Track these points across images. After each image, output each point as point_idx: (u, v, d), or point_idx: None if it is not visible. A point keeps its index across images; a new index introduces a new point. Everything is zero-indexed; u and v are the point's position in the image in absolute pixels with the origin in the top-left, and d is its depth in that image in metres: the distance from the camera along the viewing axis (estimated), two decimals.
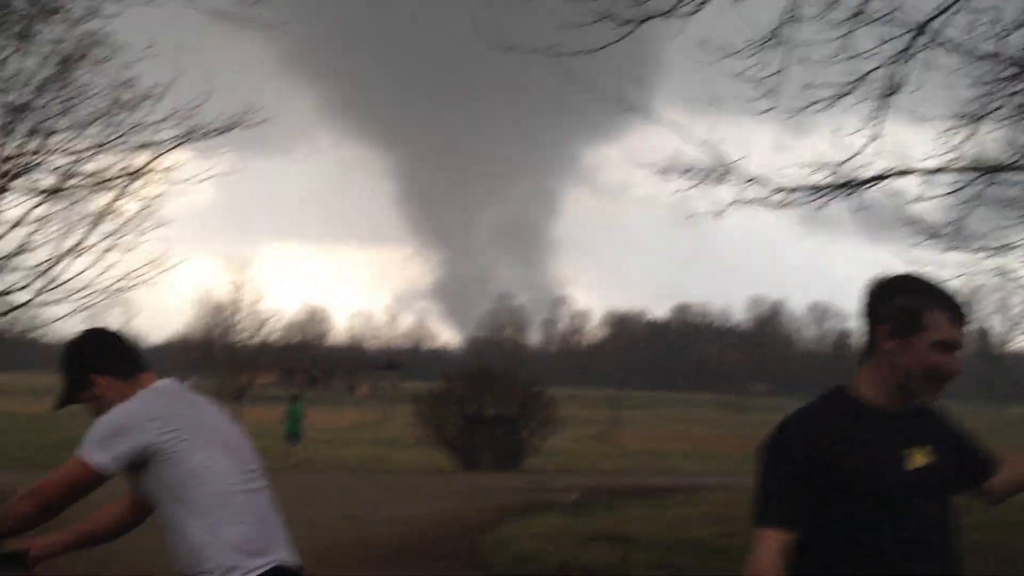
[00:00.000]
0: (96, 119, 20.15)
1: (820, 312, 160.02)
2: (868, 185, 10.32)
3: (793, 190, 10.18)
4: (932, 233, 11.60)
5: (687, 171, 10.03)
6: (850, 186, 10.23)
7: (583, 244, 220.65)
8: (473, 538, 11.40)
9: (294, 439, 26.85)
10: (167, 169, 20.77)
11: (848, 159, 9.72)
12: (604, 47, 8.40)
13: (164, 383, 3.29)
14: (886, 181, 10.45)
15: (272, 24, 8.91)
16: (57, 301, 20.84)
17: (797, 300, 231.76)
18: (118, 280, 21.02)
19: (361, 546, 11.09)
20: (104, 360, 3.28)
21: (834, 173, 9.96)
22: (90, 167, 20.43)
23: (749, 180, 10.00)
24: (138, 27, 18.29)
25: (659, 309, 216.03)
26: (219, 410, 3.32)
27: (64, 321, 23.00)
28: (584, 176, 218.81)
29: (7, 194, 20.27)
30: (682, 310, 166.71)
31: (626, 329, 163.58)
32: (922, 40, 8.90)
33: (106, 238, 20.77)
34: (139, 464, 3.01)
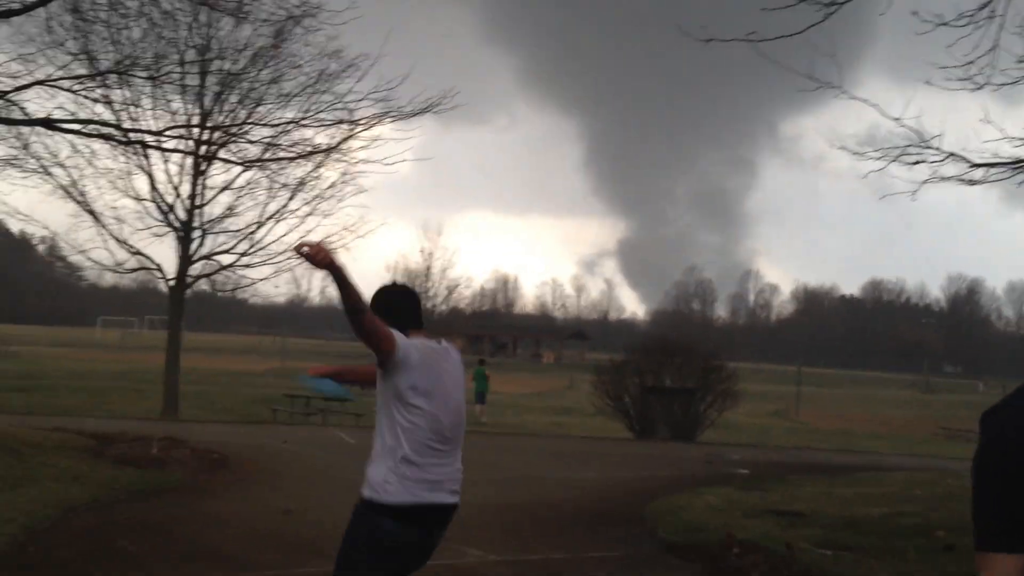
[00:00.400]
0: (303, 90, 21.25)
1: (1020, 291, 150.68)
2: None
3: (993, 165, 9.84)
4: None
5: (883, 147, 9.85)
6: None
7: (775, 217, 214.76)
8: (644, 504, 11.64)
9: (481, 399, 29.70)
10: (367, 142, 21.75)
11: None
12: (805, 30, 8.26)
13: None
14: None
15: None
16: (260, 263, 22.26)
17: (997, 279, 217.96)
18: None
19: (537, 506, 11.56)
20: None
21: None
22: (294, 137, 21.66)
23: (947, 156, 9.71)
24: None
25: (851, 286, 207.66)
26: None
27: (265, 283, 24.56)
28: (780, 148, 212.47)
29: (217, 161, 21.72)
30: (875, 287, 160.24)
31: (816, 305, 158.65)
32: None
33: (307, 204, 22.02)
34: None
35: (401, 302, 4.24)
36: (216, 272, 22.53)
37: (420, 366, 3.94)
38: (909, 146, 9.70)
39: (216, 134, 21.34)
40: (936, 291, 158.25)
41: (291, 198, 21.89)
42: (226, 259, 22.00)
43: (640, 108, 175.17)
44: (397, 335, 3.88)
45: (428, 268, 32.71)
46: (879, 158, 9.87)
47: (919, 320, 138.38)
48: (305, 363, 57.13)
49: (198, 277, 22.34)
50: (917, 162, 9.76)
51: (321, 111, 21.26)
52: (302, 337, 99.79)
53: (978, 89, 8.90)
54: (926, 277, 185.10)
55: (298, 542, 8.39)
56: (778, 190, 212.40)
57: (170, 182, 21.32)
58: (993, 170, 9.90)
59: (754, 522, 10.10)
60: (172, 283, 21.58)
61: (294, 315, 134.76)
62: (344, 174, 21.73)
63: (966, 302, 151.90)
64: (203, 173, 21.63)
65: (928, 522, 10.02)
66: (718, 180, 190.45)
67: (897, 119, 9.48)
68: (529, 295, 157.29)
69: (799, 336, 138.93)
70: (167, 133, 20.83)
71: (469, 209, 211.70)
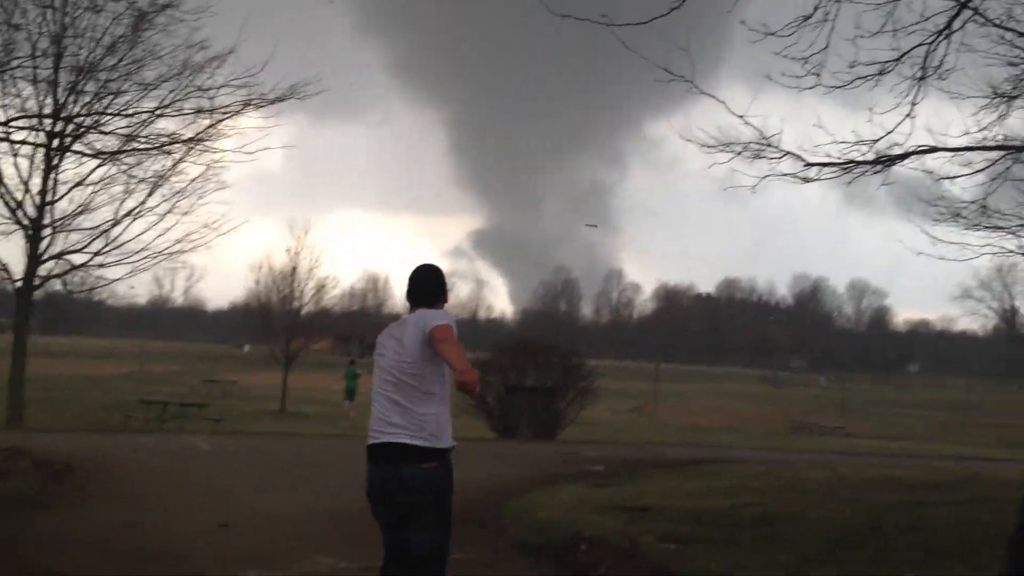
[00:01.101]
0: (163, 81, 20.52)
1: (859, 289, 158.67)
2: (898, 162, 10.51)
3: (825, 165, 10.39)
4: (955, 212, 11.83)
5: (729, 145, 10.25)
6: (880, 162, 10.41)
7: (639, 216, 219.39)
8: (499, 504, 11.80)
9: (351, 396, 32.25)
10: (230, 134, 21.15)
11: (881, 137, 9.90)
12: (654, 19, 8.44)
13: None
14: (916, 158, 10.64)
15: None
16: (115, 263, 21.41)
17: (838, 278, 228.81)
18: (176, 242, 21.49)
19: None
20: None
21: (868, 149, 10.16)
22: (153, 129, 20.89)
23: (784, 154, 10.20)
24: None
25: (708, 284, 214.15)
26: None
27: (121, 283, 23.69)
28: (642, 147, 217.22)
29: (70, 154, 20.80)
30: (729, 285, 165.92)
31: (675, 303, 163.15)
32: (963, 17, 9.03)
33: (166, 200, 21.28)
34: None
35: (408, 283, 5.09)
36: (67, 272, 21.61)
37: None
38: (751, 143, 10.15)
39: (70, 126, 20.48)
40: (783, 289, 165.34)
41: (150, 194, 21.17)
42: (79, 258, 21.16)
43: (508, 102, 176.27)
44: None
45: (294, 268, 32.10)
46: (723, 152, 10.28)
47: (768, 318, 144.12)
48: (166, 367, 55.57)
49: (48, 277, 21.40)
50: (757, 158, 10.23)
51: (181, 100, 20.59)
52: (165, 340, 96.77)
53: (811, 89, 9.39)
54: (775, 276, 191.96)
55: (143, 556, 8.20)
56: (641, 189, 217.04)
57: (19, 177, 20.30)
58: (825, 170, 10.47)
59: (603, 518, 10.37)
60: (19, 284, 20.63)
61: (156, 317, 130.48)
62: (206, 168, 21.14)
63: (810, 300, 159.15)
64: (55, 167, 20.68)
65: (766, 512, 10.52)
66: (586, 176, 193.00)
67: (741, 116, 9.91)
68: (400, 295, 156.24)
69: (658, 334, 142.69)
70: (14, 124, 19.90)
71: (340, 207, 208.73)
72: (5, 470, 12.19)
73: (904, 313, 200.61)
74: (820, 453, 24.60)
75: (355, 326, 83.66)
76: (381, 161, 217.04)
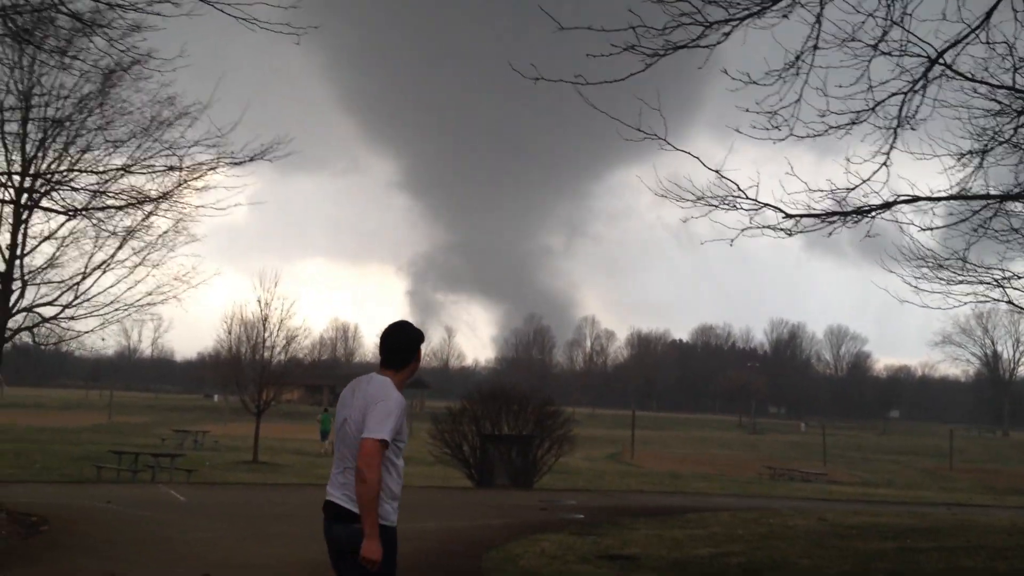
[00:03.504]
0: (133, 137, 20.61)
1: (838, 336, 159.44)
2: (876, 213, 10.60)
3: (804, 216, 10.46)
4: (938, 263, 11.94)
5: (702, 198, 10.29)
6: (858, 213, 10.50)
7: (609, 267, 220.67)
8: (480, 555, 11.66)
9: (324, 437, 37.96)
10: (199, 189, 21.28)
11: (856, 186, 9.98)
12: (628, 76, 8.54)
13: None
14: (893, 209, 10.74)
15: (305, 30, 9.14)
16: (85, 315, 21.32)
17: (816, 324, 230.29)
18: (147, 295, 21.48)
19: None
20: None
21: (843, 200, 10.24)
22: (123, 184, 20.93)
23: (762, 206, 10.25)
24: (179, 42, 18.68)
25: (682, 331, 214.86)
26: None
27: (91, 335, 23.54)
28: (611, 200, 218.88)
29: (39, 210, 20.81)
30: (704, 332, 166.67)
31: (649, 350, 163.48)
32: (936, 71, 9.17)
33: (136, 254, 21.27)
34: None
35: (380, 339, 4.91)
36: (37, 325, 21.37)
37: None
38: (727, 197, 10.21)
39: (39, 182, 20.48)
40: (760, 335, 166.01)
41: (119, 248, 21.13)
42: (49, 311, 20.99)
43: (474, 151, 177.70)
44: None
45: (265, 318, 31.90)
46: (701, 205, 10.32)
47: (745, 364, 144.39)
48: (133, 418, 54.98)
49: (18, 330, 21.17)
50: (733, 209, 10.27)
51: (151, 158, 20.76)
52: (133, 391, 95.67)
53: (782, 140, 9.48)
54: (751, 322, 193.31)
55: None
56: (609, 240, 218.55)
57: None
58: (804, 221, 10.54)
59: (588, 567, 10.28)
60: None
61: (123, 367, 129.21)
62: (177, 222, 21.19)
63: (787, 346, 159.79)
64: (24, 222, 20.59)
65: (752, 560, 10.46)
66: (549, 233, 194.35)
67: (716, 171, 9.98)
68: (370, 344, 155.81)
69: (633, 381, 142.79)
70: None
71: (306, 257, 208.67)
72: None
73: (884, 359, 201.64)
74: (803, 500, 24.52)
75: (325, 376, 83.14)
76: (346, 210, 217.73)
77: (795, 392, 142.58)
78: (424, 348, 5.05)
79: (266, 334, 32.01)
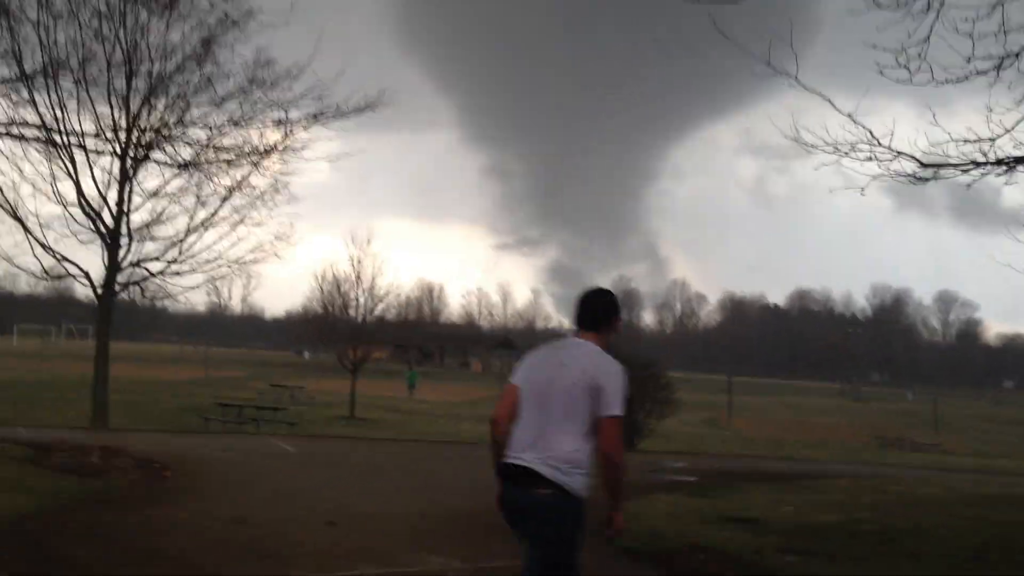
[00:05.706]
0: (234, 95, 20.85)
1: (947, 301, 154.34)
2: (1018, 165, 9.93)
3: (942, 166, 9.83)
4: None
5: (829, 145, 9.77)
6: (1005, 163, 9.80)
7: (702, 226, 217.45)
8: (596, 511, 11.52)
9: (411, 389, 47.68)
10: (299, 146, 21.44)
11: (998, 137, 9.34)
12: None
13: None
14: None
15: None
16: (188, 271, 21.67)
17: (924, 289, 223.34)
18: (248, 252, 21.72)
19: (489, 513, 11.37)
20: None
21: (987, 151, 9.59)
22: (225, 142, 21.19)
23: (896, 154, 9.65)
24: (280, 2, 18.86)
25: (778, 295, 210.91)
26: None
27: (193, 292, 24.00)
28: (706, 157, 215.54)
29: (146, 165, 21.09)
30: (801, 296, 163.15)
31: (743, 314, 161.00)
32: None
33: (235, 212, 21.51)
34: None
35: (577, 307, 4.76)
36: (144, 280, 21.82)
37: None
38: (859, 143, 9.65)
39: (146, 136, 20.77)
40: (861, 300, 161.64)
41: (221, 205, 21.39)
42: (155, 266, 21.41)
43: (565, 118, 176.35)
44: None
45: (358, 276, 32.08)
46: (828, 152, 9.78)
47: (844, 329, 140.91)
48: (229, 372, 56.19)
49: (126, 285, 21.65)
50: (869, 159, 9.72)
51: (256, 113, 20.92)
52: (224, 347, 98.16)
53: (908, 82, 8.89)
54: (851, 287, 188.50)
55: (254, 548, 8.11)
56: (702, 199, 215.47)
57: (97, 188, 20.60)
58: (941, 171, 9.91)
59: (710, 529, 10.07)
60: (100, 291, 20.90)
61: (215, 324, 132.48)
62: (276, 180, 21.40)
63: (891, 311, 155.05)
64: (131, 178, 20.96)
65: (885, 527, 10.10)
66: (639, 192, 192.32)
67: (849, 115, 9.40)
68: (455, 304, 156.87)
69: (725, 345, 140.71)
70: (92, 136, 20.22)
71: (396, 216, 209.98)
72: (104, 467, 12.26)
73: (996, 327, 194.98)
74: (918, 469, 23.84)
75: (412, 335, 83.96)
76: (434, 171, 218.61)
77: (899, 359, 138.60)
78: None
79: (359, 292, 32.29)
